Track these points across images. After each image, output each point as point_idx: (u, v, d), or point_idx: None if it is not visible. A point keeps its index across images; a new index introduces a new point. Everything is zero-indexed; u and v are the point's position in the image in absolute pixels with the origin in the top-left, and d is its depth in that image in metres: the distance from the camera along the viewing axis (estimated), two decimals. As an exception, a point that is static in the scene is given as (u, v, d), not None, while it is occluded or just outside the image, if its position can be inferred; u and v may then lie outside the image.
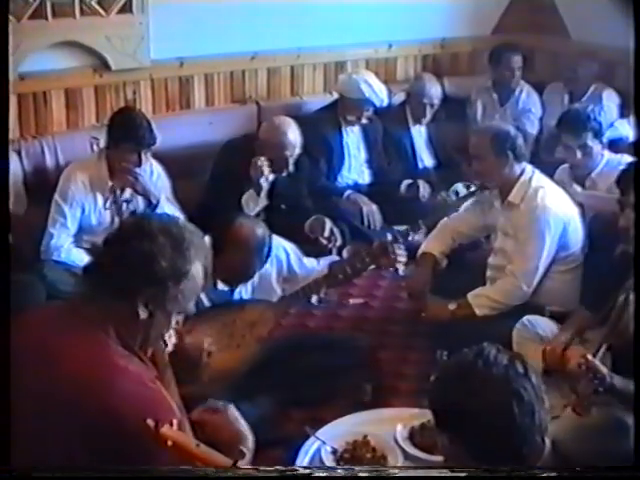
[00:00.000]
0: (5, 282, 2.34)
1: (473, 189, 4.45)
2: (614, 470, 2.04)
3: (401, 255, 3.90)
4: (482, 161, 4.16)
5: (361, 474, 2.22)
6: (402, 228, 5.04)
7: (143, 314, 2.18)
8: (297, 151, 4.83)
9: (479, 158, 4.17)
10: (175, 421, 2.02)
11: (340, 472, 2.40)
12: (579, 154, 4.67)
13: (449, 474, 2.03)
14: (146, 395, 2.11)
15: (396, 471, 2.49)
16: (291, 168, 4.86)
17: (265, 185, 4.78)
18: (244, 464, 2.25)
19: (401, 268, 4.02)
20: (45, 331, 2.21)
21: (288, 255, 3.89)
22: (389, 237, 4.05)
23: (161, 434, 1.96)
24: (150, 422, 1.97)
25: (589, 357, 3.12)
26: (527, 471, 1.99)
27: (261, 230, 3.77)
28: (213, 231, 3.67)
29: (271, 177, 4.90)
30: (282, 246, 3.89)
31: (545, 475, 1.99)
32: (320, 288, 3.81)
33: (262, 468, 2.19)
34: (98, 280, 2.22)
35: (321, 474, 2.12)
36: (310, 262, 4.04)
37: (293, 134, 4.83)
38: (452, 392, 2.01)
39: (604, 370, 3.10)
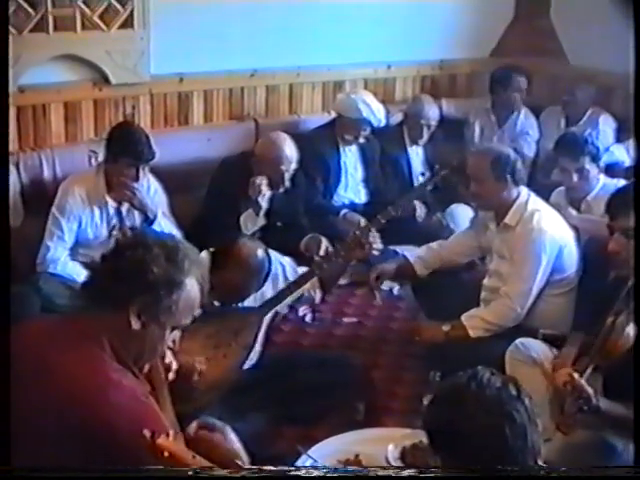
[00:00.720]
0: (5, 283, 2.34)
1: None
2: (614, 470, 2.04)
3: (375, 242, 3.91)
4: (480, 183, 4.17)
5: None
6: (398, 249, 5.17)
7: (136, 325, 2.19)
8: (293, 166, 4.85)
9: (478, 180, 4.18)
10: (172, 432, 2.03)
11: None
12: (575, 177, 4.70)
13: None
14: (139, 409, 2.12)
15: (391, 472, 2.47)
16: (287, 184, 4.87)
17: (264, 205, 4.80)
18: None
19: (376, 253, 4.07)
20: (39, 344, 2.22)
21: (284, 267, 3.91)
22: (362, 222, 4.06)
23: (157, 445, 1.96)
24: (147, 433, 1.97)
25: (575, 376, 3.14)
26: (526, 472, 1.99)
27: (262, 252, 3.78)
28: (212, 248, 3.68)
29: (268, 194, 4.93)
30: (278, 260, 3.91)
31: (544, 475, 1.99)
32: (298, 287, 3.83)
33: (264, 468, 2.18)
34: (94, 294, 2.23)
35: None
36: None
37: (289, 149, 4.85)
38: (446, 414, 2.03)
39: (589, 390, 3.11)
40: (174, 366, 2.60)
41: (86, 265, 3.67)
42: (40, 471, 2.03)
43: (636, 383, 2.41)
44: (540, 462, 2.02)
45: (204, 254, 4.27)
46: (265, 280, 3.75)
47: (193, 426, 2.34)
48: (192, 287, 2.26)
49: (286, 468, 2.21)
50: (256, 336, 3.68)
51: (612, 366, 3.25)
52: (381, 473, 2.07)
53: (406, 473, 2.05)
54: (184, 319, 2.31)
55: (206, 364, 3.44)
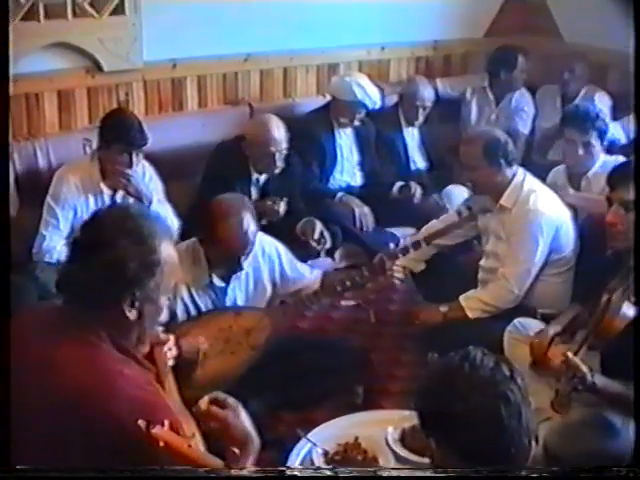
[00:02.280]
0: (5, 281, 2.34)
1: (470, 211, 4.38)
2: (614, 470, 2.04)
3: (398, 272, 3.90)
4: (474, 170, 4.16)
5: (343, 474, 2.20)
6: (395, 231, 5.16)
7: (132, 314, 2.18)
8: (283, 147, 4.84)
9: (471, 168, 4.17)
10: (167, 422, 2.02)
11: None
12: (581, 151, 4.65)
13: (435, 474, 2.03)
14: (141, 398, 2.10)
15: (386, 473, 2.47)
16: (279, 165, 4.86)
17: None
18: (247, 465, 2.21)
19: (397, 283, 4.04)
20: (37, 334, 2.21)
21: (280, 255, 3.88)
22: (391, 247, 4.05)
23: (152, 435, 1.95)
24: (141, 423, 1.96)
25: (569, 355, 3.14)
26: (524, 472, 1.99)
27: (239, 199, 3.76)
28: (201, 223, 3.66)
29: (263, 178, 4.93)
30: (274, 245, 3.88)
31: (543, 475, 1.99)
32: (319, 299, 3.83)
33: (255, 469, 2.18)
34: (73, 296, 2.21)
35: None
36: (303, 267, 4.04)
37: (277, 130, 4.85)
38: (439, 396, 2.02)
39: (584, 369, 3.11)
40: (174, 352, 2.59)
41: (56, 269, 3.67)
42: (40, 471, 2.03)
43: (636, 368, 2.39)
44: (533, 441, 2.02)
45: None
46: (254, 238, 3.66)
47: (205, 400, 2.30)
48: (168, 254, 2.23)
49: (282, 468, 2.20)
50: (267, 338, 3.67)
51: (610, 344, 3.25)
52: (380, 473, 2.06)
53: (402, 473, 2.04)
54: (173, 280, 2.29)
55: (213, 356, 3.46)
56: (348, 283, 3.85)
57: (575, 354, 3.19)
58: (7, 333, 2.20)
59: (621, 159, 4.66)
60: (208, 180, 4.85)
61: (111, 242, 2.14)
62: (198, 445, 2.15)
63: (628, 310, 3.20)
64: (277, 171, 4.91)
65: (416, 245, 4.19)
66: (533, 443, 2.02)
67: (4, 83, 2.48)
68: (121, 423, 2.00)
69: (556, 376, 3.26)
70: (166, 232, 2.30)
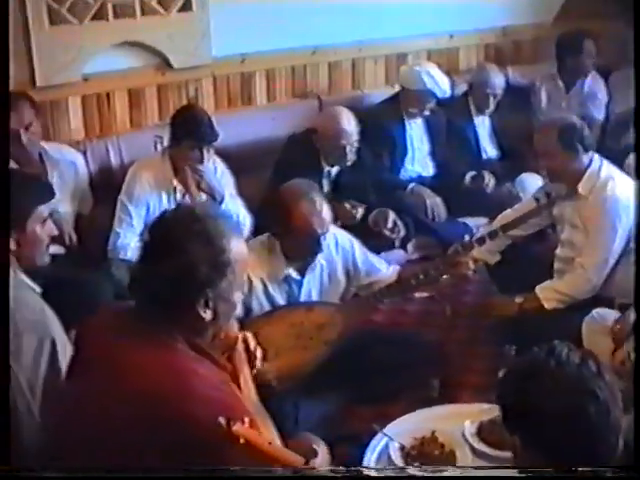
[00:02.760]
0: (4, 278, 2.35)
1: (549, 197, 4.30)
2: (614, 470, 1.98)
3: (471, 265, 3.83)
4: (550, 157, 4.07)
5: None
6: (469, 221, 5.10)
7: (207, 315, 2.18)
8: (354, 139, 4.82)
9: (547, 155, 4.08)
10: (247, 419, 2.02)
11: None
12: None
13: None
14: (217, 398, 2.11)
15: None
16: (351, 158, 4.85)
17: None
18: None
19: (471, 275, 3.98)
20: (112, 335, 2.22)
21: (353, 247, 3.84)
22: (466, 238, 4.00)
23: (234, 432, 1.95)
24: (222, 420, 1.96)
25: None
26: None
27: (308, 182, 3.74)
28: (273, 214, 3.65)
29: (334, 170, 4.92)
30: (348, 238, 3.86)
31: (543, 475, 1.94)
32: (393, 294, 3.79)
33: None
34: (146, 299, 2.21)
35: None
36: (378, 261, 3.99)
37: (348, 122, 4.84)
38: (524, 392, 1.98)
39: None
40: (259, 354, 2.59)
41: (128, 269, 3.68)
42: (40, 471, 2.05)
43: (636, 383, 2.32)
44: (621, 439, 1.97)
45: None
46: (327, 229, 3.62)
47: None
48: (238, 251, 2.23)
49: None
50: (340, 334, 3.64)
51: None
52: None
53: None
54: (245, 275, 2.32)
55: (285, 351, 3.46)
56: (422, 277, 3.80)
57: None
58: (7, 333, 2.21)
59: None
60: (279, 173, 4.84)
61: (180, 246, 2.15)
62: (278, 443, 2.14)
63: None
64: (348, 164, 4.89)
65: (493, 235, 4.13)
66: (620, 441, 1.98)
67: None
68: (197, 422, 2.01)
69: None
70: (234, 229, 2.31)
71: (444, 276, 3.86)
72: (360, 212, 4.80)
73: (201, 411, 2.03)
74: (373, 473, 2.29)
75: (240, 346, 2.56)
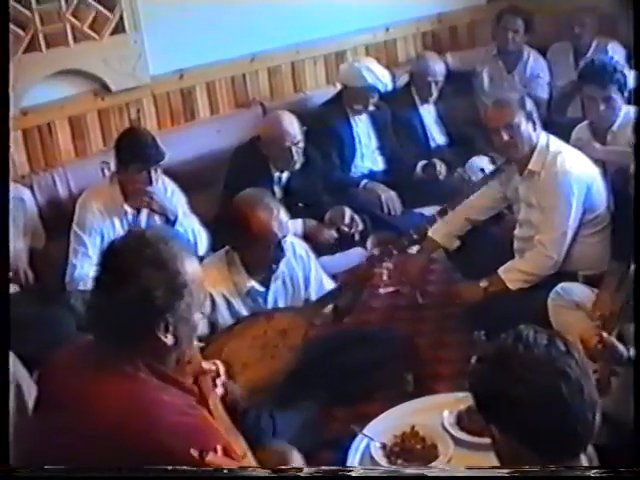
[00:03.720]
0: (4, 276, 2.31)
1: (497, 165, 4.32)
2: (614, 470, 1.98)
3: (384, 276, 3.75)
4: (512, 129, 4.03)
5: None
6: (425, 211, 5.09)
7: (169, 340, 2.15)
8: (298, 140, 4.80)
9: (509, 127, 4.03)
10: (219, 447, 1.98)
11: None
12: (602, 106, 4.55)
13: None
14: (187, 423, 2.07)
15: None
16: (298, 160, 4.83)
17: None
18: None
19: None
20: (74, 371, 2.18)
21: (309, 256, 3.81)
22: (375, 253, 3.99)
23: (207, 463, 1.92)
24: (194, 452, 1.93)
25: (605, 335, 3.00)
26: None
27: (261, 190, 3.73)
28: (230, 227, 3.61)
29: (285, 175, 4.91)
30: (304, 247, 3.83)
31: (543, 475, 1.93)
32: (348, 289, 3.75)
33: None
34: (104, 331, 2.17)
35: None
36: (325, 278, 3.90)
37: (290, 124, 4.83)
38: (496, 381, 1.95)
39: (621, 348, 2.99)
40: (220, 390, 2.56)
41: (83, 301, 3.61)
42: (40, 471, 2.01)
43: (636, 383, 2.31)
44: (598, 416, 1.95)
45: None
46: (285, 234, 3.58)
47: None
48: (192, 268, 2.20)
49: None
50: (303, 337, 3.61)
51: None
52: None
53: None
54: (203, 295, 2.27)
55: (253, 364, 3.43)
56: (385, 259, 3.74)
57: (610, 332, 3.04)
58: (7, 333, 2.16)
59: (642, 108, 4.59)
60: (230, 185, 4.80)
61: (133, 273, 2.11)
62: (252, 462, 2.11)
63: None
64: (297, 166, 4.87)
65: (442, 212, 4.12)
66: (597, 416, 1.97)
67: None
68: (168, 452, 1.98)
69: (592, 358, 3.02)
70: (186, 250, 2.26)
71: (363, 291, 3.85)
72: (334, 235, 4.83)
73: (170, 440, 1.99)
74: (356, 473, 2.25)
75: (207, 369, 2.52)
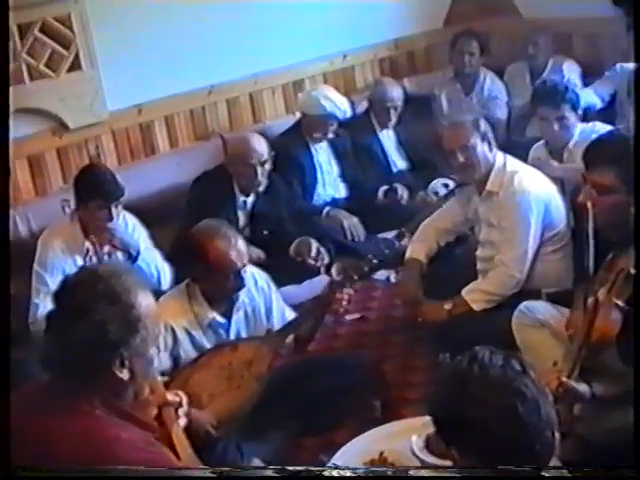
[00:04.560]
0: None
1: (452, 187, 4.36)
2: (614, 470, 1.98)
3: (344, 302, 3.74)
4: (468, 150, 4.06)
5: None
6: (388, 236, 5.11)
7: (125, 375, 2.13)
8: (264, 159, 4.84)
9: (464, 148, 4.06)
10: None
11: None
12: (556, 126, 4.61)
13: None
14: (146, 460, 2.05)
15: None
16: (262, 181, 4.86)
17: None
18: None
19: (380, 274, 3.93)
20: (33, 412, 2.15)
21: (270, 288, 3.80)
22: (338, 277, 3.95)
23: None
24: None
25: (564, 380, 2.93)
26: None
27: (219, 221, 3.71)
28: (189, 258, 3.59)
29: (250, 200, 4.93)
30: (265, 279, 3.81)
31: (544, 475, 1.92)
32: (311, 315, 3.75)
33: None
34: (60, 371, 2.15)
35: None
36: (287, 310, 3.88)
37: (258, 143, 4.89)
38: (452, 402, 1.96)
39: (581, 389, 2.94)
40: (183, 420, 2.53)
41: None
42: (40, 471, 1.99)
43: (636, 384, 2.31)
44: (557, 433, 1.96)
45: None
46: (244, 266, 3.55)
47: None
48: (146, 302, 2.19)
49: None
50: (269, 366, 3.60)
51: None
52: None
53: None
54: (157, 329, 2.25)
55: (219, 395, 3.40)
56: (347, 284, 3.74)
57: (570, 373, 2.96)
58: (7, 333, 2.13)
59: (599, 125, 4.65)
60: (193, 212, 4.75)
61: (87, 309, 2.10)
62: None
63: (617, 314, 2.93)
64: (261, 188, 4.90)
65: (399, 236, 4.13)
66: (557, 435, 1.97)
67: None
68: None
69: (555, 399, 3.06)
70: (140, 283, 2.25)
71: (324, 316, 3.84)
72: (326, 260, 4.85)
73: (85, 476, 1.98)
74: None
75: (170, 401, 2.50)
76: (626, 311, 2.90)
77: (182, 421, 2.50)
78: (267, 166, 4.87)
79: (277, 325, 3.74)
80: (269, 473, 2.12)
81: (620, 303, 2.90)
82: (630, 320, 2.90)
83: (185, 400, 2.57)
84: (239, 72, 5.73)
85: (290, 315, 3.81)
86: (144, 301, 2.18)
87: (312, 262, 4.83)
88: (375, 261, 3.93)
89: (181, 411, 2.52)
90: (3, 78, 2.51)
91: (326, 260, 4.88)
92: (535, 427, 1.91)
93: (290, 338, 3.71)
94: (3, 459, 2.01)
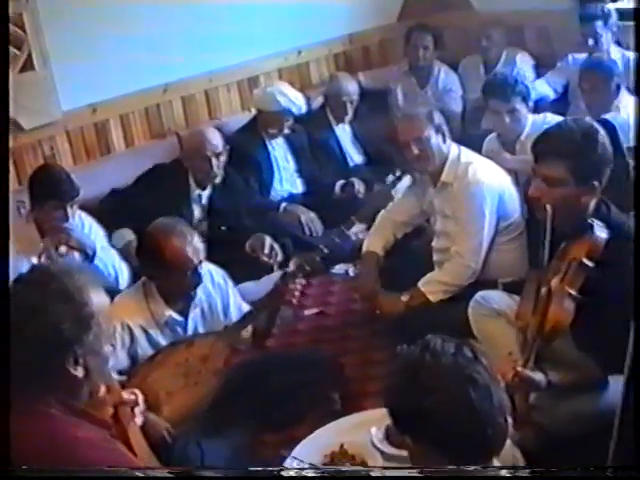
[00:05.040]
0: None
1: (399, 174, 4.39)
2: (614, 470, 2.01)
3: (297, 292, 3.76)
4: (422, 142, 4.09)
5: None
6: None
7: (79, 372, 2.12)
8: (220, 151, 4.87)
9: (418, 141, 4.09)
10: None
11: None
12: (507, 119, 4.65)
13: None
14: (103, 458, 2.05)
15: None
16: (218, 173, 4.88)
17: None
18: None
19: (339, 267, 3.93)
20: None
21: (227, 284, 3.80)
22: (291, 268, 3.92)
23: None
24: None
25: (519, 369, 2.94)
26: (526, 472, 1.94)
27: (174, 219, 3.69)
28: (144, 256, 3.59)
29: (205, 194, 4.95)
30: (221, 274, 3.81)
31: (543, 475, 1.95)
32: (265, 308, 3.74)
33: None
34: (15, 372, 2.13)
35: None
36: (244, 305, 3.89)
37: (213, 135, 4.94)
38: (406, 391, 1.98)
39: (537, 378, 2.97)
40: (139, 419, 2.53)
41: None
42: (40, 471, 1.98)
43: (636, 382, 2.34)
44: (510, 420, 1.98)
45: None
46: (200, 262, 3.53)
47: None
48: (99, 299, 2.19)
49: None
50: (225, 361, 3.59)
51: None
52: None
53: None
54: (112, 327, 2.27)
55: (177, 392, 3.40)
56: (297, 279, 3.74)
57: (525, 363, 2.98)
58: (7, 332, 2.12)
59: (550, 116, 4.68)
60: (147, 205, 4.71)
61: (39, 307, 2.09)
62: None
63: (570, 303, 2.95)
64: (217, 180, 4.92)
65: (349, 225, 4.14)
66: (509, 420, 1.99)
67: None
68: None
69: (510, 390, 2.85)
70: (92, 281, 2.24)
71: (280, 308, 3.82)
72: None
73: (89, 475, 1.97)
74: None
75: (125, 399, 2.49)
76: (579, 300, 2.94)
77: (138, 419, 2.49)
78: (222, 158, 4.90)
79: (235, 320, 3.74)
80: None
81: (572, 292, 2.94)
82: (585, 309, 2.95)
83: (141, 398, 2.57)
84: (194, 70, 5.69)
85: (246, 309, 3.81)
86: (97, 298, 2.17)
87: (265, 259, 4.83)
88: (326, 251, 3.95)
89: (137, 410, 2.51)
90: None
91: (280, 257, 4.88)
92: (487, 413, 1.93)
93: (247, 331, 3.71)
94: (3, 459, 1.99)
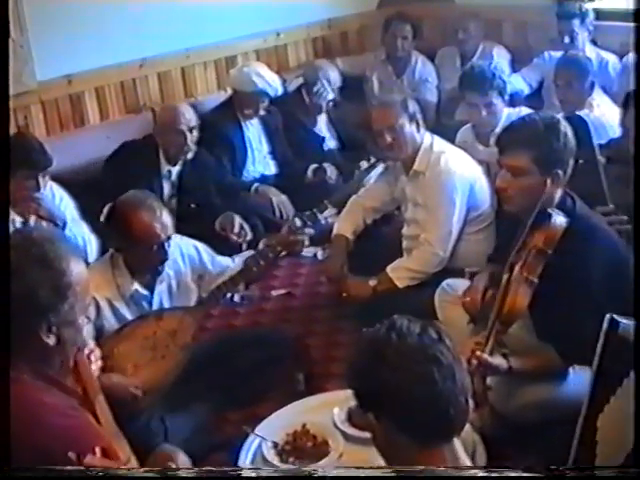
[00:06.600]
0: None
1: (373, 161, 4.42)
2: (614, 470, 2.05)
3: (305, 242, 3.85)
4: (394, 130, 4.12)
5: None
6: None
7: (51, 340, 2.13)
8: (192, 126, 4.87)
9: (391, 128, 4.13)
10: (98, 449, 1.98)
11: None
12: (484, 112, 4.68)
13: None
14: (65, 425, 2.07)
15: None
16: (189, 149, 4.87)
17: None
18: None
19: (308, 250, 3.97)
20: None
21: (199, 252, 3.81)
22: (297, 223, 4.00)
23: (85, 466, 1.91)
24: (72, 455, 1.92)
25: (478, 353, 3.00)
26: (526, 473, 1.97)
27: (143, 191, 3.70)
28: (113, 229, 3.59)
29: (174, 170, 4.95)
30: (192, 244, 3.81)
31: (544, 475, 1.98)
32: (237, 285, 3.75)
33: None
34: None
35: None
36: (224, 260, 3.95)
37: (186, 110, 4.94)
38: (371, 370, 2.01)
39: (496, 362, 3.02)
40: (99, 363, 2.54)
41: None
42: (40, 471, 1.98)
43: (637, 380, 2.34)
44: (471, 400, 2.02)
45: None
46: (169, 239, 3.54)
47: None
48: (77, 270, 2.19)
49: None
50: (193, 336, 3.60)
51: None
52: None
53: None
54: (88, 299, 2.26)
55: (144, 365, 3.41)
56: (262, 261, 3.78)
57: (485, 346, 3.03)
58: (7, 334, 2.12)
59: (525, 110, 4.71)
60: (116, 182, 4.69)
61: (18, 271, 2.09)
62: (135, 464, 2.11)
63: (527, 289, 3.01)
64: (190, 155, 4.91)
65: (322, 209, 4.16)
66: (470, 401, 2.03)
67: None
68: (50, 454, 1.96)
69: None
70: (73, 251, 2.25)
71: (281, 254, 3.86)
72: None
73: (52, 442, 1.99)
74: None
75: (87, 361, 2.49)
76: (536, 286, 2.99)
77: (95, 365, 2.50)
78: (195, 133, 4.89)
79: (218, 278, 3.76)
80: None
81: (531, 277, 2.98)
82: (546, 298, 3.00)
83: (98, 352, 2.57)
84: (171, 46, 5.69)
85: (231, 263, 3.86)
86: (76, 269, 2.18)
87: (234, 238, 4.83)
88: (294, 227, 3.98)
89: (93, 356, 2.51)
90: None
91: (249, 237, 4.87)
92: (450, 392, 1.97)
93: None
94: (3, 459, 2.00)
